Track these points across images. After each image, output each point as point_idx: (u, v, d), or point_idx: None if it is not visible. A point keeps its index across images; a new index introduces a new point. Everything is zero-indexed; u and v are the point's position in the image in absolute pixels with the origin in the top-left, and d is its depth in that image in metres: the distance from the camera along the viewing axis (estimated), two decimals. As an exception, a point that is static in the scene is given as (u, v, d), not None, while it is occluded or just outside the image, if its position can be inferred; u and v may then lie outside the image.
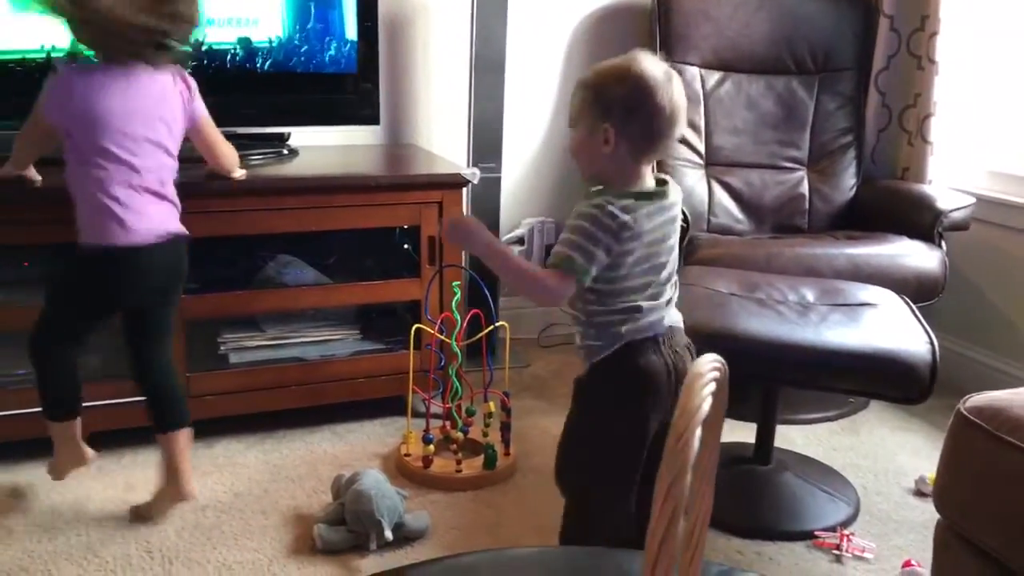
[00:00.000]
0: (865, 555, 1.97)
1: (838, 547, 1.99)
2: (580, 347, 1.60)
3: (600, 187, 1.53)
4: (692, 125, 2.91)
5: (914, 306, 2.14)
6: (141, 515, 2.00)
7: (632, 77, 1.49)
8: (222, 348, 2.41)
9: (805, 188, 2.95)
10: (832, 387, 1.98)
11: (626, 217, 1.47)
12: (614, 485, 1.58)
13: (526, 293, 1.53)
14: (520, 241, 3.10)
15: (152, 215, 1.86)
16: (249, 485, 2.18)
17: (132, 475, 2.17)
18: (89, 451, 2.03)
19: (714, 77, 2.95)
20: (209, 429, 2.35)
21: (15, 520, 1.99)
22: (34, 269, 2.28)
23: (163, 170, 1.89)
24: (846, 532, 2.02)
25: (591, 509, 1.61)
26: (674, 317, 1.60)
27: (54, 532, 1.94)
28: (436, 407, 2.35)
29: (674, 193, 1.58)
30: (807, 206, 2.94)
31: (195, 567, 1.85)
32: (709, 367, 0.52)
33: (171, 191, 1.92)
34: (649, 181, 1.55)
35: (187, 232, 1.95)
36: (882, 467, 2.38)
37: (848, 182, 2.95)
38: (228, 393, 2.34)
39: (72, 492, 2.09)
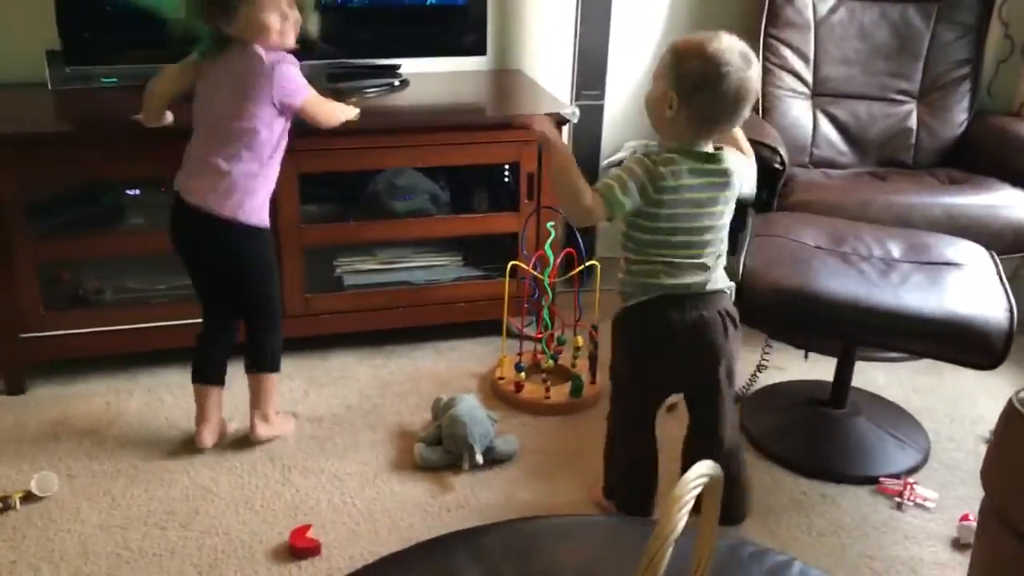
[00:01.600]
0: (926, 504, 2.08)
1: (900, 494, 2.10)
2: (619, 290, 1.79)
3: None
4: (801, 54, 2.90)
5: (1001, 266, 2.16)
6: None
7: (707, 56, 1.60)
8: (337, 271, 2.62)
9: (913, 122, 2.91)
10: (906, 349, 2.05)
11: (662, 168, 1.64)
12: (626, 415, 1.88)
13: (567, 204, 1.69)
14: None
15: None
16: (359, 399, 2.42)
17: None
18: (206, 438, 2.17)
19: (827, 4, 2.90)
20: (325, 343, 2.60)
21: (158, 425, 2.29)
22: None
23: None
24: (910, 480, 2.12)
25: (613, 428, 1.93)
26: (716, 282, 1.73)
27: (192, 438, 2.22)
28: (529, 334, 2.52)
29: (728, 162, 1.69)
30: (913, 140, 2.90)
31: (310, 476, 2.11)
32: (690, 488, 0.64)
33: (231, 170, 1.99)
34: (702, 148, 1.68)
35: (251, 222, 2.02)
36: (960, 413, 2.45)
37: (959, 117, 2.89)
38: (342, 312, 2.57)
39: (206, 399, 2.37)
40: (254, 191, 2.01)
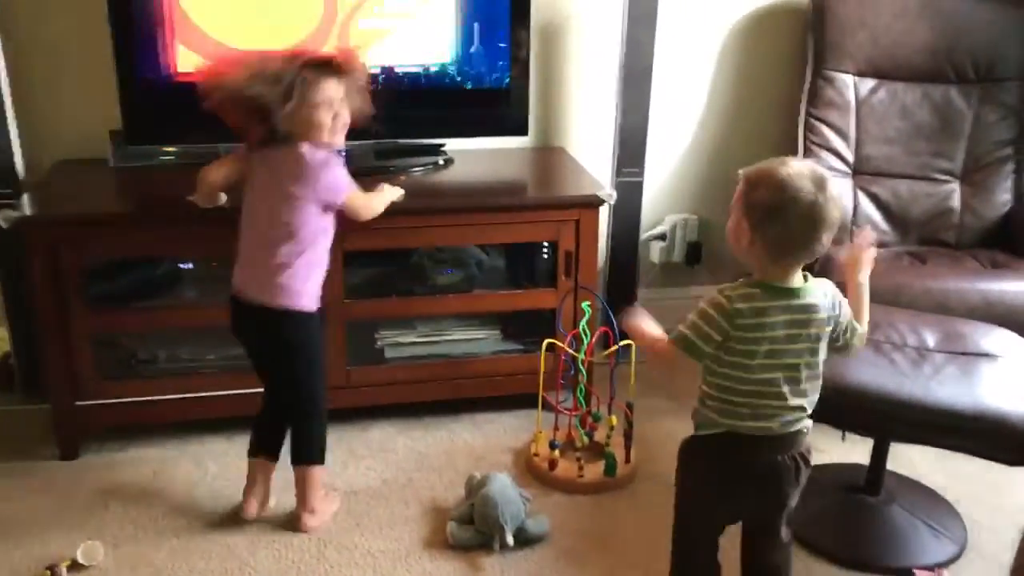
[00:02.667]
0: (960, 599, 2.06)
1: (934, 587, 2.08)
2: (693, 417, 1.71)
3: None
4: (841, 134, 2.92)
5: (1039, 357, 2.15)
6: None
7: (776, 182, 1.52)
8: (379, 343, 2.69)
9: (956, 202, 2.90)
10: (938, 444, 2.03)
11: (741, 305, 1.56)
12: (687, 543, 1.79)
13: (656, 364, 1.69)
14: (662, 237, 3.22)
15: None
16: (396, 473, 2.46)
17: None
18: (252, 509, 2.23)
19: (868, 85, 2.93)
20: (366, 415, 2.66)
21: (202, 495, 2.36)
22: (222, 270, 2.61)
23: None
24: (944, 572, 2.10)
25: (674, 556, 1.82)
26: (800, 423, 1.65)
27: (233, 509, 2.28)
28: (564, 409, 2.55)
29: (815, 295, 1.60)
30: (956, 220, 2.90)
31: (344, 552, 2.16)
32: None
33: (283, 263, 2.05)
34: (792, 279, 1.59)
35: (295, 307, 2.08)
36: (1001, 501, 2.41)
37: (1002, 197, 2.89)
38: (383, 385, 2.63)
39: (249, 469, 2.44)
40: (304, 279, 2.07)
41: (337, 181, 2.06)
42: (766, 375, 1.60)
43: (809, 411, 1.66)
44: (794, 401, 1.62)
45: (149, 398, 2.51)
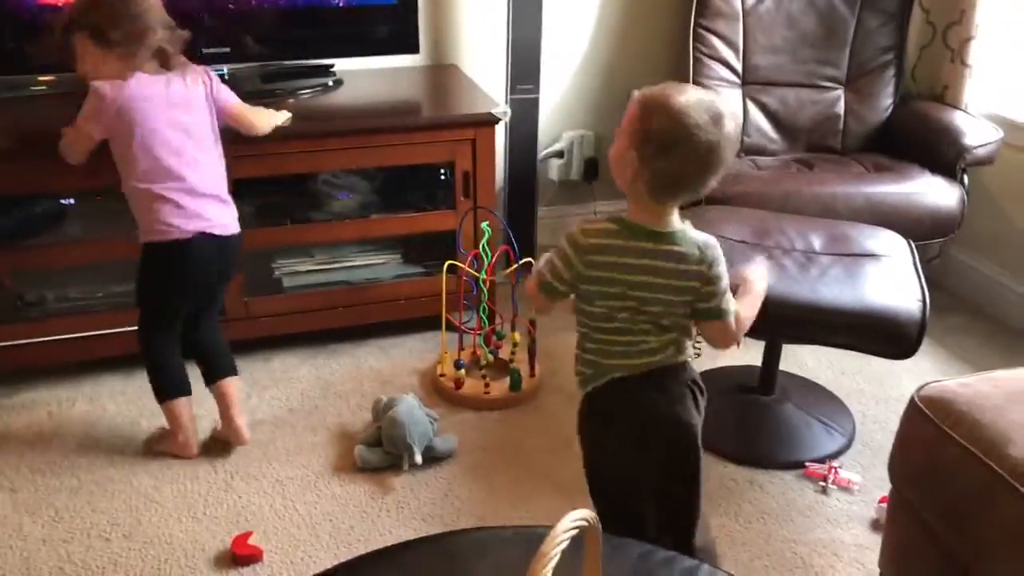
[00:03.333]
0: (850, 487, 2.17)
1: (825, 478, 2.18)
2: (576, 373, 1.61)
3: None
4: (730, 44, 2.95)
5: (917, 254, 2.24)
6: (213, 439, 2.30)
7: (672, 112, 1.39)
8: (276, 273, 2.64)
9: (841, 108, 2.97)
10: (826, 342, 2.11)
11: (592, 241, 1.46)
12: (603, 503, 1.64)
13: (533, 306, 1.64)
14: (560, 154, 3.22)
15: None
16: (301, 401, 2.45)
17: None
18: (193, 447, 2.22)
19: (755, -7, 2.95)
20: (267, 345, 2.63)
21: (101, 434, 2.31)
22: (107, 204, 2.52)
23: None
24: (834, 464, 2.21)
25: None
26: (679, 355, 1.55)
27: (134, 446, 2.25)
28: (468, 329, 2.57)
29: (687, 245, 1.47)
30: (841, 126, 2.97)
31: (252, 481, 2.15)
32: (557, 543, 0.69)
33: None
34: (667, 222, 1.48)
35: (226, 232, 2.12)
36: (885, 393, 2.54)
37: (884, 102, 2.97)
38: (282, 315, 2.59)
39: (149, 407, 2.38)
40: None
41: (226, 87, 2.14)
42: (623, 316, 1.50)
43: (689, 343, 1.57)
44: (665, 337, 1.52)
45: (39, 340, 2.42)
